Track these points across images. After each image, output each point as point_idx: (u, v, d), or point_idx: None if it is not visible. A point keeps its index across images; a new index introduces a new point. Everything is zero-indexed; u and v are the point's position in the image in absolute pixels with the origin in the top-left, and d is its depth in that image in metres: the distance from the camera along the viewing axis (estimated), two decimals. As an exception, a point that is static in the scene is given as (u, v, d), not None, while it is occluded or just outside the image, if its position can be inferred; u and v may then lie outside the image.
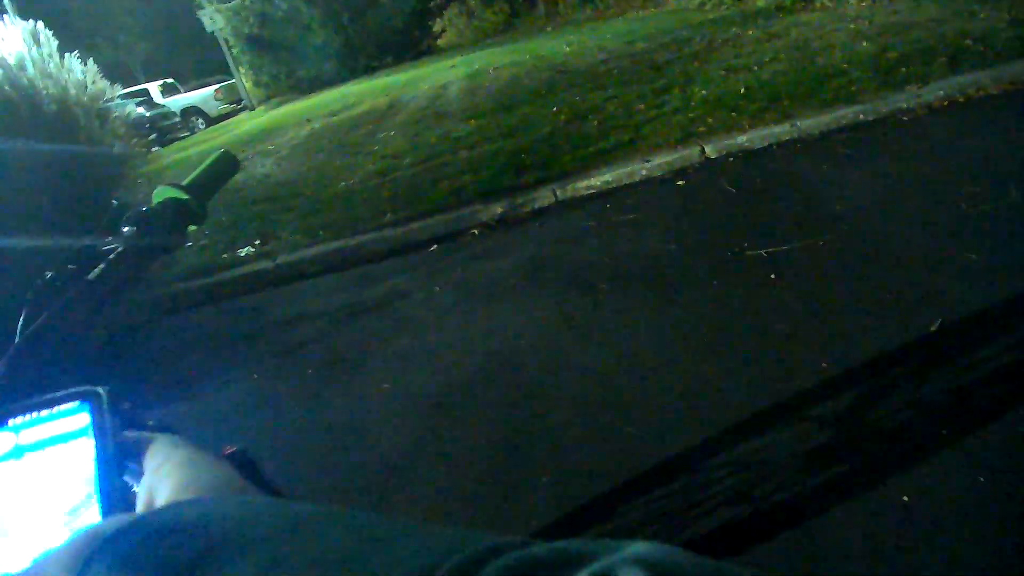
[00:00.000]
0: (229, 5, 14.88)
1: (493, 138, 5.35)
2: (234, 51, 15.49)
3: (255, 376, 2.80)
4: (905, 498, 1.43)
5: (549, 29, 13.92)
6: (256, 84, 16.12)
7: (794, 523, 1.45)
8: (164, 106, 15.16)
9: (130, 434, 0.35)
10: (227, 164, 0.80)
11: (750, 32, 6.92)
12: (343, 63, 14.98)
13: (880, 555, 1.34)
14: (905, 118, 3.79)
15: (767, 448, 1.67)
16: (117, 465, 0.33)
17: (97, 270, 0.63)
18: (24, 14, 6.03)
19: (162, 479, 0.32)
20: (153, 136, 9.76)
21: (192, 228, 0.74)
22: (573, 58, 8.26)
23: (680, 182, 3.74)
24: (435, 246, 3.76)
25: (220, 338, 3.36)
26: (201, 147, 10.62)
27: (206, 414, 2.58)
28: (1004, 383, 1.71)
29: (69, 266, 0.63)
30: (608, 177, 3.94)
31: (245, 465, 0.83)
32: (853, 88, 4.21)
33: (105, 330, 3.25)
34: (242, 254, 4.25)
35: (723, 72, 5.46)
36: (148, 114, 12.90)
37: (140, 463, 0.34)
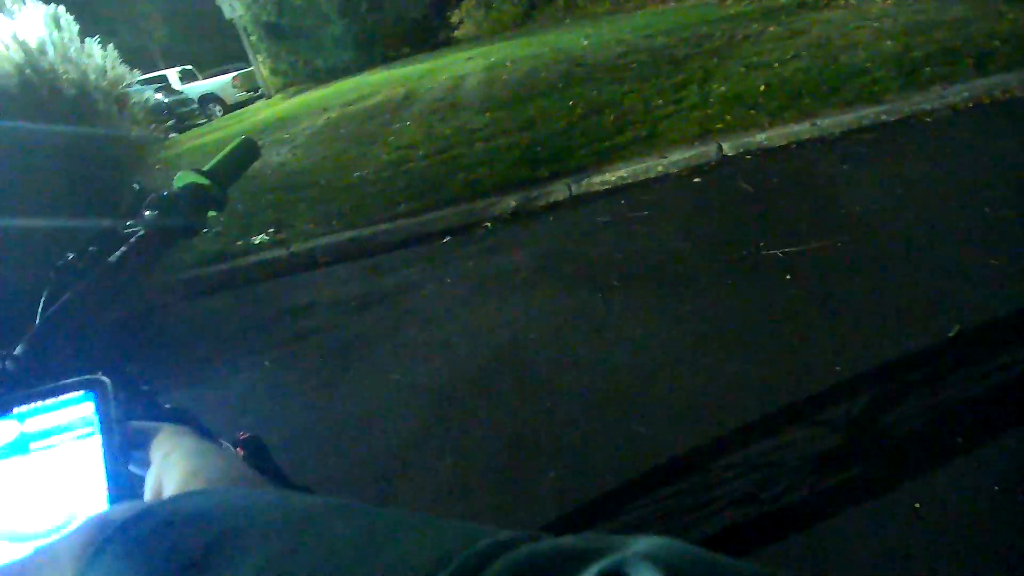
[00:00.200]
0: (248, -8, 14.92)
1: (509, 131, 5.34)
2: (252, 39, 15.54)
3: (266, 363, 2.82)
4: (917, 505, 1.42)
5: (567, 21, 13.82)
6: (273, 72, 16.17)
7: (803, 526, 1.44)
8: (182, 92, 15.28)
9: (135, 423, 0.35)
10: (248, 151, 0.80)
11: (772, 28, 6.82)
12: (360, 53, 14.98)
13: (889, 561, 1.33)
14: (928, 119, 3.73)
15: (777, 450, 1.66)
16: (123, 454, 0.33)
17: (118, 253, 0.63)
18: (46, -2, 6.07)
19: (170, 468, 0.32)
20: (171, 122, 9.84)
21: (212, 213, 0.74)
22: (591, 51, 8.19)
23: (696, 179, 3.71)
24: (448, 238, 3.76)
25: (233, 325, 3.39)
26: (217, 134, 10.69)
27: (217, 399, 2.61)
28: (1022, 391, 1.68)
29: (90, 248, 0.63)
30: (624, 172, 3.92)
31: (257, 451, 0.84)
32: (875, 87, 4.14)
33: (122, 313, 3.29)
34: (256, 242, 4.28)
35: (743, 68, 5.39)
36: (166, 100, 13.01)
37: (146, 452, 0.34)
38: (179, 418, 0.66)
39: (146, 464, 0.34)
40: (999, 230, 2.41)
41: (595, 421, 1.93)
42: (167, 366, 3.01)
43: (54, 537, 0.27)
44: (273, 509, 0.25)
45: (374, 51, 15.10)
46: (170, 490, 0.31)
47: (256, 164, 0.88)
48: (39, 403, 0.34)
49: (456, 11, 16.58)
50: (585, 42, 9.13)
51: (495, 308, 2.81)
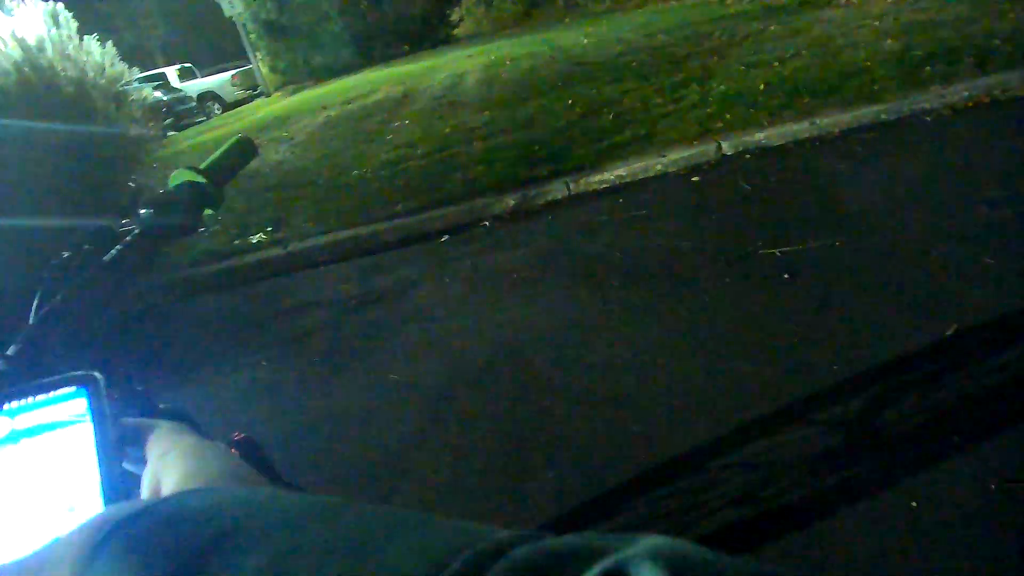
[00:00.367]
0: (247, -10, 14.89)
1: (508, 130, 5.33)
2: (251, 37, 15.51)
3: (263, 363, 2.82)
4: (914, 503, 1.42)
5: (568, 20, 13.79)
6: (272, 70, 16.13)
7: (801, 525, 1.44)
8: (181, 90, 15.24)
9: (131, 420, 0.35)
10: (245, 149, 0.80)
11: (772, 27, 6.81)
12: (360, 51, 14.95)
13: (886, 560, 1.33)
14: (928, 118, 3.72)
15: (776, 449, 1.66)
16: (117, 449, 0.33)
17: (113, 252, 0.63)
18: (45, -5, 6.05)
19: (168, 466, 0.32)
20: (169, 120, 9.82)
21: (208, 212, 0.74)
22: (591, 50, 8.18)
23: (695, 178, 3.71)
24: (446, 237, 3.76)
25: (230, 324, 3.38)
26: (216, 132, 10.67)
27: (214, 399, 2.61)
28: (1019, 390, 1.68)
29: (85, 247, 0.63)
30: (622, 171, 3.91)
31: (252, 451, 0.84)
32: (875, 87, 4.13)
33: (117, 312, 3.28)
34: (254, 240, 4.28)
35: (743, 67, 5.39)
36: (165, 98, 12.97)
37: (142, 449, 0.34)
38: (175, 417, 0.66)
39: (142, 461, 0.33)
40: (997, 230, 2.41)
41: (593, 420, 1.93)
42: (163, 365, 3.01)
43: (49, 533, 0.27)
44: (273, 508, 0.25)
45: (374, 49, 15.06)
46: (169, 488, 0.31)
47: (254, 163, 0.87)
48: (30, 399, 0.34)
49: (456, 9, 16.55)
50: (585, 40, 9.12)
51: (493, 307, 2.80)
